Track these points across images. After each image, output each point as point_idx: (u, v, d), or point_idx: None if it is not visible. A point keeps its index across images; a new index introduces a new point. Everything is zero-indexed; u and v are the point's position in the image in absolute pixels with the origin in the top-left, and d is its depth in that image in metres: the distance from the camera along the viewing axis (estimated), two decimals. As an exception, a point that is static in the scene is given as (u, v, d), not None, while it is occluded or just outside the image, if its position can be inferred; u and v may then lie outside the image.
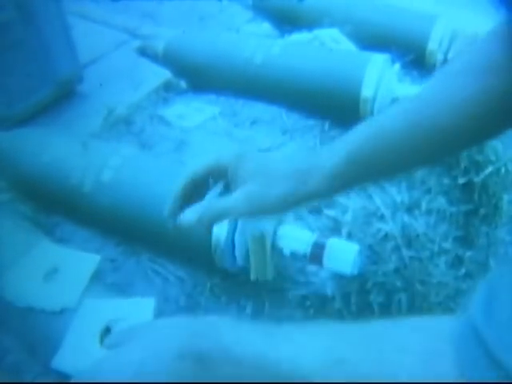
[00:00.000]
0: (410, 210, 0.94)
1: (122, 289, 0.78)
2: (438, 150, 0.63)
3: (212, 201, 0.64)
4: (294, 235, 0.74)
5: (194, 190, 0.66)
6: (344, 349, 0.43)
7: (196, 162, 0.66)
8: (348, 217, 0.87)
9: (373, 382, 0.41)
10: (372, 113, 1.02)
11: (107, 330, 0.68)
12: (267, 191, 0.62)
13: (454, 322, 0.40)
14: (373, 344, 0.43)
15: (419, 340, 0.42)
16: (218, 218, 0.64)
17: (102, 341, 0.66)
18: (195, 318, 0.51)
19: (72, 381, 0.65)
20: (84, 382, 0.61)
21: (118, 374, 0.46)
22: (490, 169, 1.07)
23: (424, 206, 0.95)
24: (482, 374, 0.35)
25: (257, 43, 1.16)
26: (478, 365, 0.36)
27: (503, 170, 1.11)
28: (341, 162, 0.62)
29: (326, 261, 0.70)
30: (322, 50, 1.16)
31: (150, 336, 0.49)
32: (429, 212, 0.96)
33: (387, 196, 0.92)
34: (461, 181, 1.05)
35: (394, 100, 1.04)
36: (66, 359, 0.66)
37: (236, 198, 0.62)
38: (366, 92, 1.00)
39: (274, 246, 0.74)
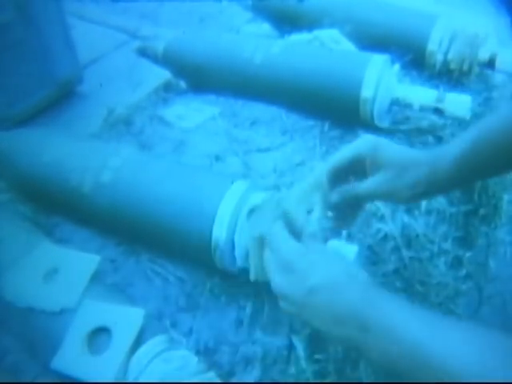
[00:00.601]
0: (409, 210, 0.94)
1: (122, 289, 0.78)
2: None
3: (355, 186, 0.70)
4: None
5: (338, 176, 0.71)
6: (494, 361, 0.44)
7: (338, 152, 0.71)
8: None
9: None
10: (372, 113, 1.02)
11: (93, 334, 0.68)
12: (398, 182, 0.68)
13: None
14: None
15: None
16: (356, 199, 0.70)
17: (88, 344, 0.67)
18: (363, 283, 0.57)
19: (72, 381, 0.65)
20: (84, 382, 0.61)
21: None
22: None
23: (424, 206, 0.95)
24: None
25: (256, 44, 1.17)
26: None
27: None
28: (467, 147, 0.67)
29: None
30: (322, 51, 1.16)
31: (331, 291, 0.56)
32: (428, 212, 0.96)
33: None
34: (461, 181, 1.05)
35: (394, 100, 1.04)
36: (64, 360, 0.66)
37: (369, 186, 0.69)
38: (366, 92, 1.00)
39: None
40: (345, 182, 0.71)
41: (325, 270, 0.57)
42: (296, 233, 0.63)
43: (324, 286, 0.56)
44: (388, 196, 0.70)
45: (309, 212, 0.68)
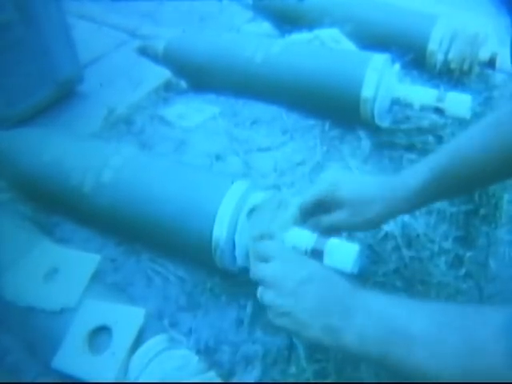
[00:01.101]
0: (410, 209, 0.94)
1: (123, 288, 0.78)
2: None
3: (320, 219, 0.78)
4: (295, 235, 0.74)
5: (309, 212, 0.79)
6: (449, 326, 0.52)
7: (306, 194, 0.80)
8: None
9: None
10: (372, 113, 1.02)
11: (93, 334, 0.68)
12: (355, 218, 0.75)
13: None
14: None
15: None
16: (327, 231, 0.75)
17: (89, 343, 0.67)
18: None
19: (73, 381, 0.65)
20: (84, 382, 0.61)
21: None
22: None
23: (424, 206, 0.95)
24: None
25: (257, 43, 1.16)
26: None
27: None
28: (425, 179, 0.73)
29: (326, 261, 0.70)
30: (323, 50, 1.16)
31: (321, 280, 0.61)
32: (429, 212, 0.96)
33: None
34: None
35: (394, 100, 1.04)
36: (65, 359, 0.66)
37: (331, 221, 0.76)
38: (367, 92, 1.00)
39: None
40: (315, 215, 0.78)
41: (317, 265, 0.64)
42: None
43: (316, 278, 0.61)
44: (350, 228, 0.80)
45: None
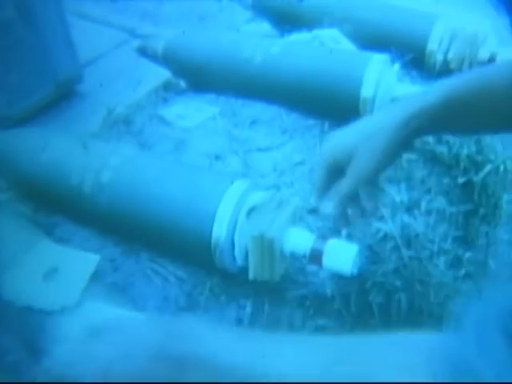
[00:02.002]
0: (409, 209, 0.94)
1: (122, 288, 0.78)
2: None
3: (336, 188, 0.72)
4: (293, 236, 0.74)
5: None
6: (330, 365, 0.42)
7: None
8: (347, 217, 0.87)
9: None
10: (371, 113, 1.02)
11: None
12: (373, 167, 0.69)
13: (433, 339, 0.41)
14: (357, 358, 0.42)
15: (398, 354, 0.41)
16: (345, 200, 0.71)
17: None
18: (170, 318, 0.50)
19: (72, 381, 0.65)
20: (83, 382, 0.61)
21: (86, 371, 0.45)
22: (488, 167, 1.07)
23: (424, 205, 0.95)
24: None
25: (256, 43, 1.16)
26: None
27: (502, 168, 1.11)
28: (437, 100, 0.67)
29: (325, 261, 0.71)
30: (322, 50, 1.16)
31: (122, 333, 0.48)
32: (428, 212, 0.96)
33: (386, 196, 0.93)
34: (460, 180, 1.05)
35: (394, 100, 1.04)
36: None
37: (348, 182, 0.70)
38: (366, 92, 1.00)
39: (273, 247, 0.74)
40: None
41: None
42: None
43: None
44: (372, 171, 0.71)
45: None
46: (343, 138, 0.73)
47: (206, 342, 0.45)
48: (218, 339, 0.46)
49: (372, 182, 0.74)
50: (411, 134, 0.70)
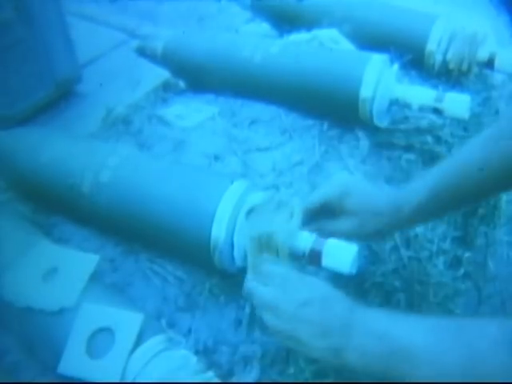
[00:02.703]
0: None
1: (121, 289, 0.78)
2: None
3: (324, 224, 0.77)
4: (293, 236, 0.74)
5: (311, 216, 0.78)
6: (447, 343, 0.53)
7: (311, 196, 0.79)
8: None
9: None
10: (371, 113, 1.02)
11: (93, 337, 0.68)
12: (361, 229, 0.75)
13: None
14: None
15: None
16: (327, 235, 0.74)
17: (88, 348, 0.66)
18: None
19: (73, 381, 0.65)
20: (83, 382, 0.61)
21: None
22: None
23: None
24: None
25: (256, 43, 1.16)
26: None
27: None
28: (422, 198, 0.73)
29: (324, 261, 0.71)
30: (321, 50, 1.16)
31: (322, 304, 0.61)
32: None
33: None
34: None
35: (393, 100, 1.04)
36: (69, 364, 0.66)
37: (336, 228, 0.76)
38: (365, 92, 1.00)
39: (272, 247, 0.74)
40: (317, 219, 0.78)
41: (315, 286, 0.64)
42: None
43: (315, 300, 0.61)
44: (356, 238, 0.76)
45: None
46: (359, 193, 0.78)
47: (368, 319, 0.59)
48: (378, 317, 0.59)
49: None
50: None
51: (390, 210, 0.75)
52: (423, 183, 0.75)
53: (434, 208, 0.75)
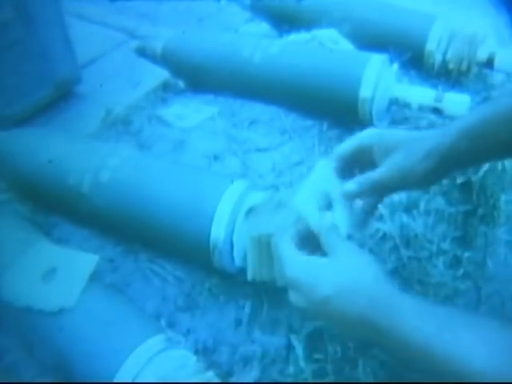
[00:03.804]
0: (408, 210, 0.94)
1: (121, 288, 0.78)
2: None
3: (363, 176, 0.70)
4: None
5: (344, 170, 0.72)
6: (500, 357, 0.48)
7: (343, 144, 0.73)
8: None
9: None
10: (370, 113, 1.02)
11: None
12: (409, 159, 0.68)
13: None
14: None
15: None
16: (370, 190, 0.69)
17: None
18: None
19: (73, 381, 0.65)
20: (83, 382, 0.61)
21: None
22: (486, 166, 1.07)
23: (422, 206, 0.95)
24: None
25: (255, 43, 1.16)
26: None
27: (500, 167, 1.11)
28: (473, 119, 0.68)
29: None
30: (321, 50, 1.16)
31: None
32: (427, 212, 0.96)
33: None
34: (459, 180, 1.05)
35: (392, 100, 1.04)
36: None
37: (382, 172, 0.68)
38: (365, 92, 1.00)
39: (272, 247, 0.73)
40: (350, 176, 0.71)
41: (331, 281, 0.58)
42: (311, 235, 0.64)
43: (333, 296, 0.57)
44: (403, 179, 0.69)
45: (321, 209, 0.68)
46: (393, 132, 0.73)
47: (394, 315, 0.54)
48: (405, 314, 0.54)
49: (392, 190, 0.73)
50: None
51: (436, 133, 0.69)
52: (464, 117, 0.72)
53: (475, 136, 0.68)
